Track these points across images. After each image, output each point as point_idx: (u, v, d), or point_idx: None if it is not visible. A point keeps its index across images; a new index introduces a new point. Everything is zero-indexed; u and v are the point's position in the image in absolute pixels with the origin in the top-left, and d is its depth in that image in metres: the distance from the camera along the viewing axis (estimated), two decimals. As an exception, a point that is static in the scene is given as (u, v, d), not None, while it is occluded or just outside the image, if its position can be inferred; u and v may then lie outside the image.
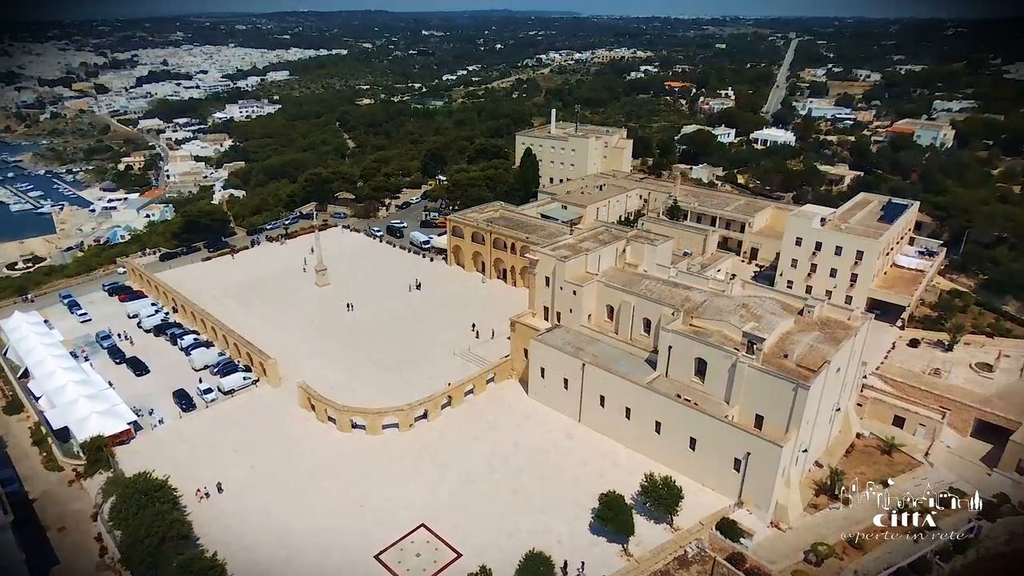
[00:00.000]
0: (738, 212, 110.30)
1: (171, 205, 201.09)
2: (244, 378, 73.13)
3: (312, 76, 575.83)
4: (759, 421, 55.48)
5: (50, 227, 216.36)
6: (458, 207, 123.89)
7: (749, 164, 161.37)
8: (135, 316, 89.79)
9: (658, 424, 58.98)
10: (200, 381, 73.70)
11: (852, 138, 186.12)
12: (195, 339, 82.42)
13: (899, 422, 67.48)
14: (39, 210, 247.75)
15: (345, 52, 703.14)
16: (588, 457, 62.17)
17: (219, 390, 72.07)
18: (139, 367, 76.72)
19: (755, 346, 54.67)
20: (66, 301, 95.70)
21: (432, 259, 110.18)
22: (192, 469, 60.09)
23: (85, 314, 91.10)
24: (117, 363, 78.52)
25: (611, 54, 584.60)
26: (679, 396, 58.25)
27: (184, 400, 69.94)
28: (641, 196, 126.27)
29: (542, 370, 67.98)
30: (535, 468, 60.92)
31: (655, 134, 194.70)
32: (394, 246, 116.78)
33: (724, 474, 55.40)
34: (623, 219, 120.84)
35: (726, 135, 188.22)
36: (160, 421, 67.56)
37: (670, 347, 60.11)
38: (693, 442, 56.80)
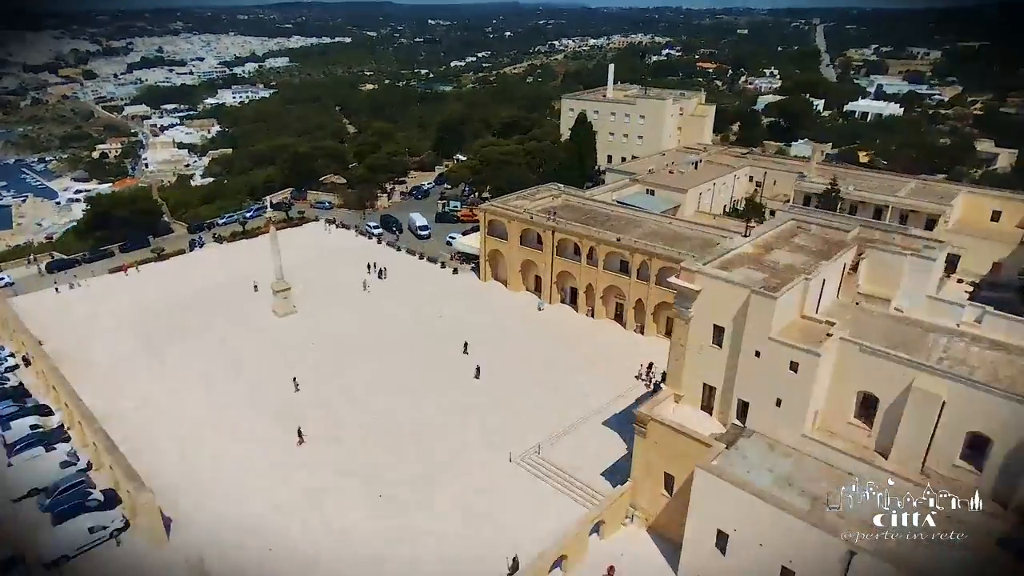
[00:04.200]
0: (917, 198, 72.56)
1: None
2: (91, 530, 36.11)
3: (313, 63, 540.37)
4: None
5: (7, 221, 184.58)
6: (490, 194, 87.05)
7: (861, 139, 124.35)
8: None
9: None
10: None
11: (978, 111, 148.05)
12: (31, 431, 45.12)
13: None
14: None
15: (349, 40, 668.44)
16: None
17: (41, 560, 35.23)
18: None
19: None
20: None
21: (456, 271, 73.11)
22: None
23: None
24: None
25: (628, 39, 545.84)
26: None
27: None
28: (751, 177, 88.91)
29: (722, 535, 30.95)
30: None
31: (731, 102, 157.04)
32: (398, 249, 79.55)
33: None
34: (729, 210, 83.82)
35: (815, 106, 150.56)
36: None
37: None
38: None
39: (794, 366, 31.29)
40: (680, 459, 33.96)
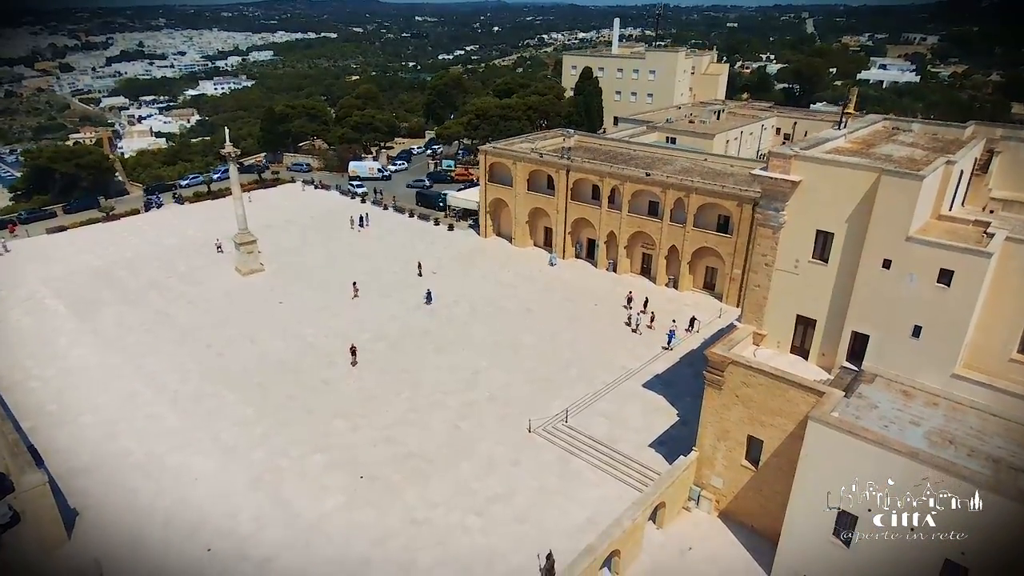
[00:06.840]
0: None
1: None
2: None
3: (298, 56, 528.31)
4: None
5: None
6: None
7: (883, 103, 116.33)
8: None
9: None
10: None
11: (999, 78, 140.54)
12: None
13: None
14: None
15: (335, 35, 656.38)
16: None
17: None
18: None
19: None
20: None
21: (452, 227, 63.56)
22: None
23: None
24: None
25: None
26: None
27: None
28: (779, 130, 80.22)
29: (846, 519, 21.72)
30: None
31: (740, 69, 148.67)
32: (384, 207, 69.93)
33: None
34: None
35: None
36: None
37: None
38: None
39: (946, 276, 22.09)
40: (773, 416, 24.72)
